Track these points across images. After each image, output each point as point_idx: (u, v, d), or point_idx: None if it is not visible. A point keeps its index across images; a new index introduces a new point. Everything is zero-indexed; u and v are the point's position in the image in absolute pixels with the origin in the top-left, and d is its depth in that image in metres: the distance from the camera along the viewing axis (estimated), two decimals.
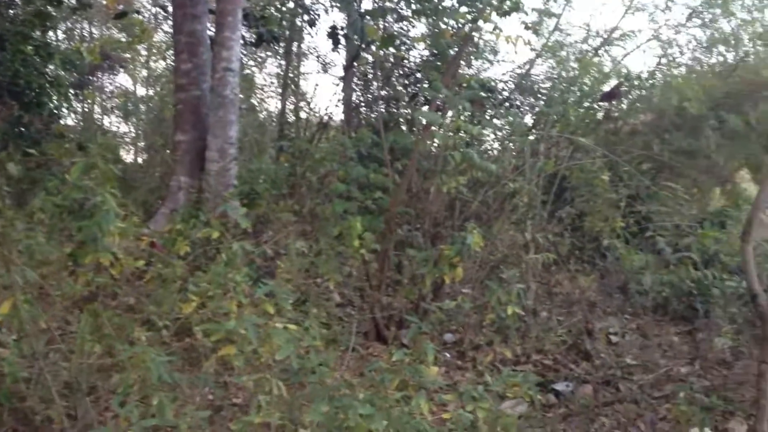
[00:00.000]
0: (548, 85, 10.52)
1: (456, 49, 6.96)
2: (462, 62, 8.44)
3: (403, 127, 8.65)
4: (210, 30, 8.50)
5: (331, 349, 4.72)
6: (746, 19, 10.69)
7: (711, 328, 6.78)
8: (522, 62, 10.96)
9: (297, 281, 5.42)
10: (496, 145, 9.69)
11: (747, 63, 10.87)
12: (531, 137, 8.22)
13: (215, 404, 4.14)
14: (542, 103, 9.95)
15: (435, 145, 6.98)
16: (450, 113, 7.06)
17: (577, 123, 9.41)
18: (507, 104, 9.96)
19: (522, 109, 10.33)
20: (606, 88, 10.33)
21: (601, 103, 10.21)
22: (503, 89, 10.57)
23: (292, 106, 12.60)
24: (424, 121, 6.85)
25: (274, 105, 14.22)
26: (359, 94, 11.12)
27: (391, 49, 8.95)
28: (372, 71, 10.68)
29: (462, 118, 7.17)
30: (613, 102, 10.35)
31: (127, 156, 14.88)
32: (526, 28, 8.16)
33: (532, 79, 10.91)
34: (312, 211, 7.51)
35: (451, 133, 6.72)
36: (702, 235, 8.20)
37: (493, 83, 9.94)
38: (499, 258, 7.54)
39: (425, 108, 6.82)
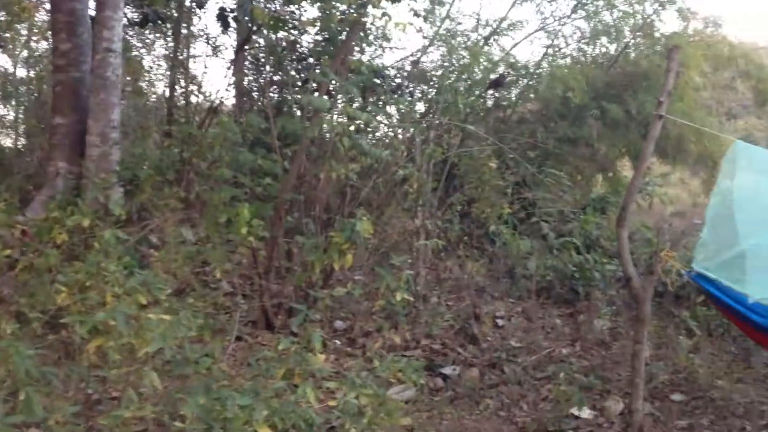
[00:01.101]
0: (440, 73, 10.59)
1: (346, 34, 6.92)
2: (355, 48, 8.39)
3: (298, 113, 8.52)
4: (91, 9, 8.11)
5: (216, 339, 4.62)
6: (627, 12, 11.07)
7: (591, 311, 7.07)
8: (414, 50, 11.01)
9: (180, 270, 5.27)
10: (389, 131, 9.72)
11: (627, 54, 11.30)
12: (422, 124, 8.28)
13: (93, 398, 3.97)
14: (434, 91, 10.02)
15: (327, 131, 6.92)
16: (340, 99, 7.02)
17: (466, 111, 9.54)
18: (399, 91, 9.98)
19: (414, 97, 10.37)
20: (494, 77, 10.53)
21: (488, 92, 10.39)
22: (396, 76, 10.59)
23: (181, 90, 12.19)
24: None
25: (162, 88, 13.72)
26: (251, 78, 10.89)
27: (283, 33, 8.80)
28: (264, 55, 10.47)
29: (355, 104, 7.14)
30: (499, 90, 10.55)
31: (6, 140, 14.06)
32: (416, 15, 8.21)
33: (423, 66, 10.98)
34: (200, 197, 7.30)
35: (340, 120, 6.69)
36: (584, 220, 8.53)
37: (385, 70, 9.93)
38: (390, 244, 7.58)
39: (316, 94, 6.74)
